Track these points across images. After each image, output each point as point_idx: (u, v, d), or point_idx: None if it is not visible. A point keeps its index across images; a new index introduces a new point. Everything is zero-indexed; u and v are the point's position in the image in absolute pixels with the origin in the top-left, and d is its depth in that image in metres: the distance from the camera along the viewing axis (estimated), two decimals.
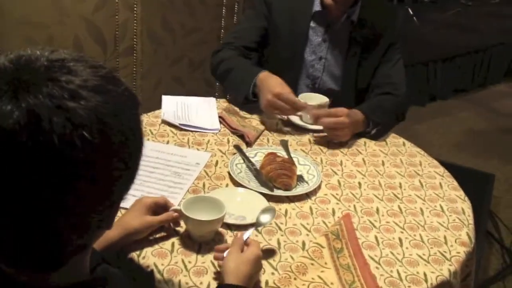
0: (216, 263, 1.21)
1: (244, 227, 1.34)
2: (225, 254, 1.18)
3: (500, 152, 3.78)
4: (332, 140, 1.78)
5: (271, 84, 1.81)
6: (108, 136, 0.68)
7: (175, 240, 1.29)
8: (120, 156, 0.71)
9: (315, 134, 1.81)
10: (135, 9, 2.45)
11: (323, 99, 1.88)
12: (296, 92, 2.09)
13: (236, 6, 2.90)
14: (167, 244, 1.27)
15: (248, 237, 1.23)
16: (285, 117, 1.89)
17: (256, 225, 1.31)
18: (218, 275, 1.18)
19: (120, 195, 0.76)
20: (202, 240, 1.29)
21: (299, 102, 1.79)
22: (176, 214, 1.30)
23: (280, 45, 2.05)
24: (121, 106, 0.71)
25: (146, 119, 1.81)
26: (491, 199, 2.90)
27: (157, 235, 1.29)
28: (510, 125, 4.23)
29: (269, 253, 1.28)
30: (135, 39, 2.50)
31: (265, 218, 1.32)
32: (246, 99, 1.89)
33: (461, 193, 1.59)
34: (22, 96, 0.64)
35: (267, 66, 2.10)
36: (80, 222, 0.71)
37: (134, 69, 2.56)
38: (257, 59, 2.20)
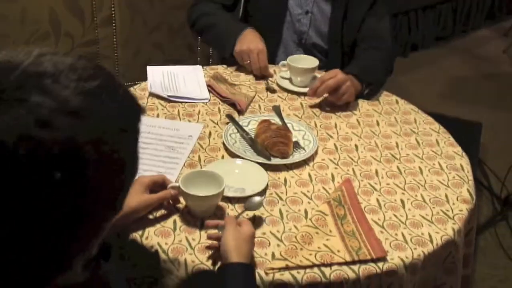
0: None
1: (244, 200, 1.32)
2: (219, 232, 1.17)
3: (485, 99, 3.79)
4: (341, 103, 1.72)
5: (251, 37, 1.87)
6: (82, 171, 0.59)
7: (176, 217, 1.27)
8: (99, 192, 0.62)
9: (307, 98, 1.78)
10: None
11: (313, 62, 1.84)
12: (282, 48, 2.05)
13: None
14: (168, 222, 1.25)
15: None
16: (274, 81, 1.86)
17: (246, 207, 1.28)
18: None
19: (105, 226, 0.68)
20: (203, 215, 1.27)
21: (266, 70, 1.86)
22: (174, 191, 1.27)
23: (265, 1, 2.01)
24: (107, 131, 0.62)
25: (133, 92, 1.75)
26: (479, 147, 2.92)
27: (158, 214, 1.27)
28: (494, 71, 4.24)
29: (271, 224, 1.27)
30: (113, 9, 2.41)
31: (255, 199, 1.29)
32: (232, 55, 1.90)
33: (458, 149, 1.59)
34: None
35: (252, 22, 2.06)
36: (58, 254, 0.63)
37: (114, 39, 2.48)
38: (241, 16, 2.15)
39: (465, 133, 2.84)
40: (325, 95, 1.73)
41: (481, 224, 2.62)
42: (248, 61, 1.84)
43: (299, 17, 2.02)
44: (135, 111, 0.69)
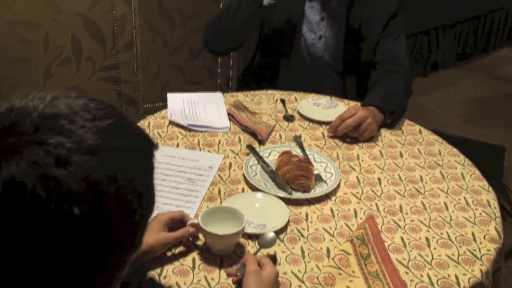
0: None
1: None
2: (239, 273, 1.13)
3: (506, 120, 3.73)
4: (363, 139, 1.69)
5: None
6: (102, 206, 0.61)
7: (195, 255, 1.24)
8: (120, 225, 0.64)
9: (328, 127, 1.75)
10: (132, 2, 2.36)
11: None
12: (297, 71, 2.03)
13: None
14: (187, 260, 1.22)
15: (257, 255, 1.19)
16: (294, 109, 1.83)
17: (260, 244, 1.24)
18: None
19: (125, 261, 0.69)
20: (223, 254, 1.24)
21: None
22: (193, 229, 1.24)
23: (278, 26, 1.99)
24: (122, 167, 0.63)
25: (153, 120, 1.75)
26: (502, 172, 2.85)
27: (177, 251, 1.24)
28: None
29: (292, 263, 1.24)
30: (134, 34, 2.41)
31: (269, 235, 1.26)
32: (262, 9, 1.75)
33: (484, 183, 1.54)
34: (4, 163, 0.57)
35: (268, 49, 2.05)
36: None
37: (135, 63, 2.48)
38: (256, 45, 2.13)
39: (488, 157, 2.80)
40: None
41: (505, 252, 2.55)
42: None
43: (313, 41, 2.01)
44: (148, 146, 0.71)
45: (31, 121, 0.61)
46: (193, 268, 1.21)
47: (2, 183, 0.57)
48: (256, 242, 1.26)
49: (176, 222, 1.25)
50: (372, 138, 1.71)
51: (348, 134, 1.69)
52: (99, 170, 0.60)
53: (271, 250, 1.26)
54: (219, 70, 2.91)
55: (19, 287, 0.61)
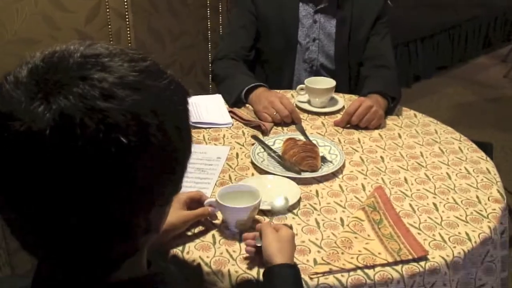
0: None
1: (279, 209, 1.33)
2: (257, 243, 1.17)
3: (491, 121, 3.84)
4: (372, 127, 1.75)
5: (268, 93, 1.84)
6: (146, 137, 0.63)
7: (215, 232, 1.28)
8: (163, 158, 0.67)
9: (327, 116, 1.81)
10: (126, 17, 2.44)
11: (330, 82, 1.89)
12: (296, 79, 2.11)
13: (220, 5, 2.90)
14: (208, 237, 1.26)
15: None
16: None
17: (272, 213, 1.31)
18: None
19: (168, 198, 0.72)
20: (242, 228, 1.28)
21: (295, 113, 1.79)
22: (212, 209, 1.28)
23: (274, 35, 2.07)
24: (162, 103, 0.67)
25: None
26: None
27: (196, 230, 1.28)
28: (496, 95, 4.31)
29: (309, 233, 1.28)
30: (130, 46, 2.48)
31: (279, 201, 1.33)
32: (233, 104, 1.90)
33: (482, 154, 1.61)
34: (53, 97, 0.61)
35: (263, 58, 2.11)
36: (125, 227, 0.67)
37: None
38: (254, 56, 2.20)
39: None
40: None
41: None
42: (275, 113, 1.77)
43: (308, 45, 2.08)
44: (182, 90, 0.74)
45: (74, 60, 0.64)
46: (214, 243, 1.24)
47: (53, 116, 0.60)
48: (277, 218, 1.31)
49: (195, 201, 1.29)
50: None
51: (359, 125, 1.75)
52: (142, 105, 0.63)
53: (287, 222, 1.30)
54: (210, 86, 2.98)
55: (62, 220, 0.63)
